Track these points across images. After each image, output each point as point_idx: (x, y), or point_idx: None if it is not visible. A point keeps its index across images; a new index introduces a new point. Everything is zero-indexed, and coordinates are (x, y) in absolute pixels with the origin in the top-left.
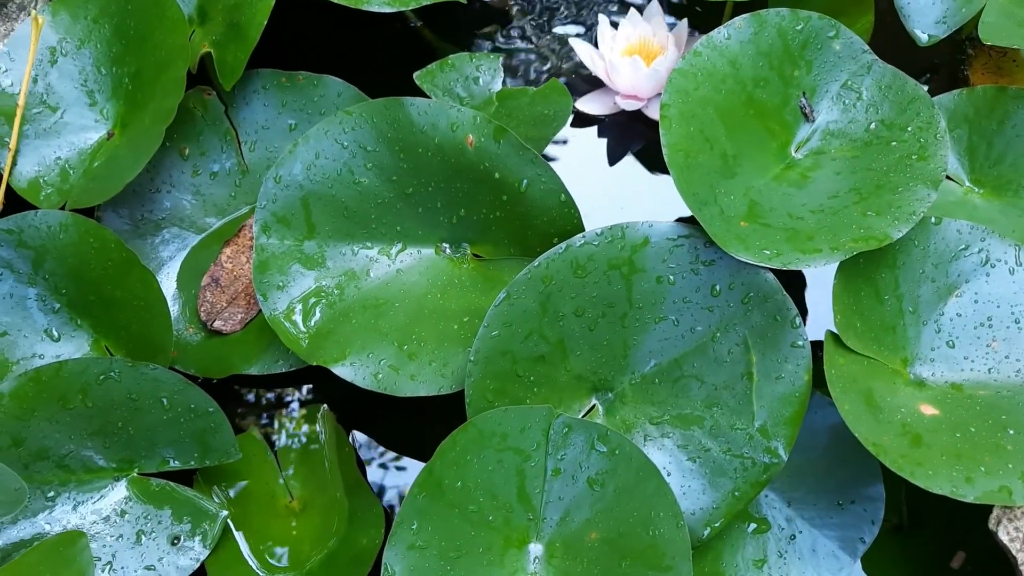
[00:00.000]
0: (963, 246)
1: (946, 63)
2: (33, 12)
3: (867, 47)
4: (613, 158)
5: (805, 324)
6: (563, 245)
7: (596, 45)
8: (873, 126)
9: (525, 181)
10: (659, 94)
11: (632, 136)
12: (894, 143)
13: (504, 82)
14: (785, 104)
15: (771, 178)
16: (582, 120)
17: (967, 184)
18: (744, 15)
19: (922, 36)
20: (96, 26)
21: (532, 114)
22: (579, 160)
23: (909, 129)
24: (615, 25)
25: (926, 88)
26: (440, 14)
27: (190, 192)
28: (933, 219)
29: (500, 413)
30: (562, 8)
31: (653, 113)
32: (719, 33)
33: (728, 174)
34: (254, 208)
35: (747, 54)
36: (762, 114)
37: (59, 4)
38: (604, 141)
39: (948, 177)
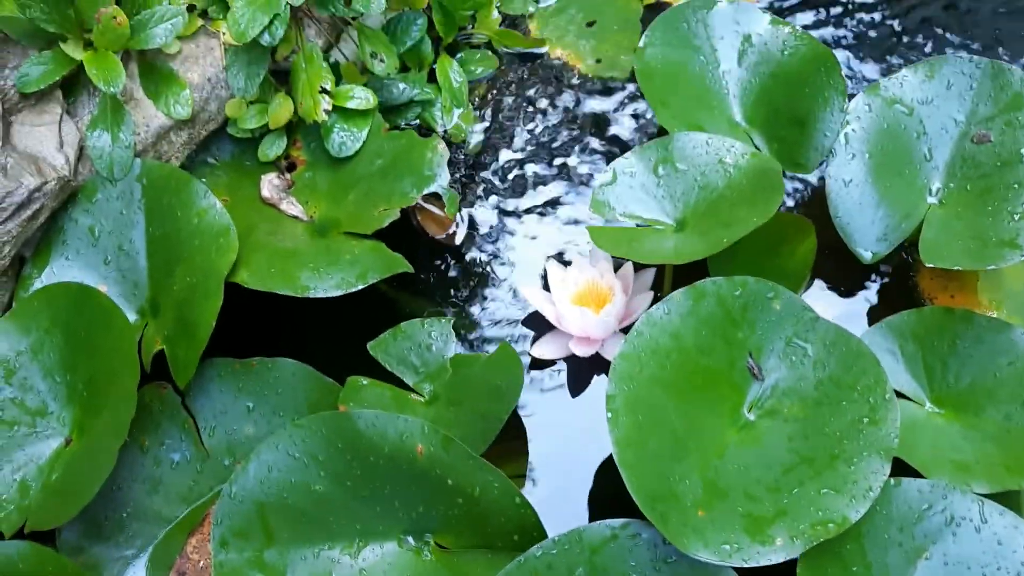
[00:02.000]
0: (926, 506)
1: (894, 269)
2: None
3: (807, 304)
4: (573, 402)
5: None
6: (521, 557)
7: (547, 287)
8: (822, 383)
9: (478, 488)
10: (613, 334)
11: (589, 377)
12: (844, 402)
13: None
14: (732, 367)
15: (726, 446)
16: (541, 362)
17: (928, 406)
18: (681, 288)
19: (865, 254)
20: (48, 336)
21: (486, 385)
22: (539, 405)
23: (858, 388)
24: (566, 263)
25: (876, 294)
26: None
27: (151, 484)
28: (892, 481)
29: None
30: (515, 241)
31: (609, 354)
32: (658, 310)
33: (681, 456)
34: (217, 493)
35: (688, 325)
36: (711, 381)
37: (10, 318)
38: (563, 384)
39: (908, 398)
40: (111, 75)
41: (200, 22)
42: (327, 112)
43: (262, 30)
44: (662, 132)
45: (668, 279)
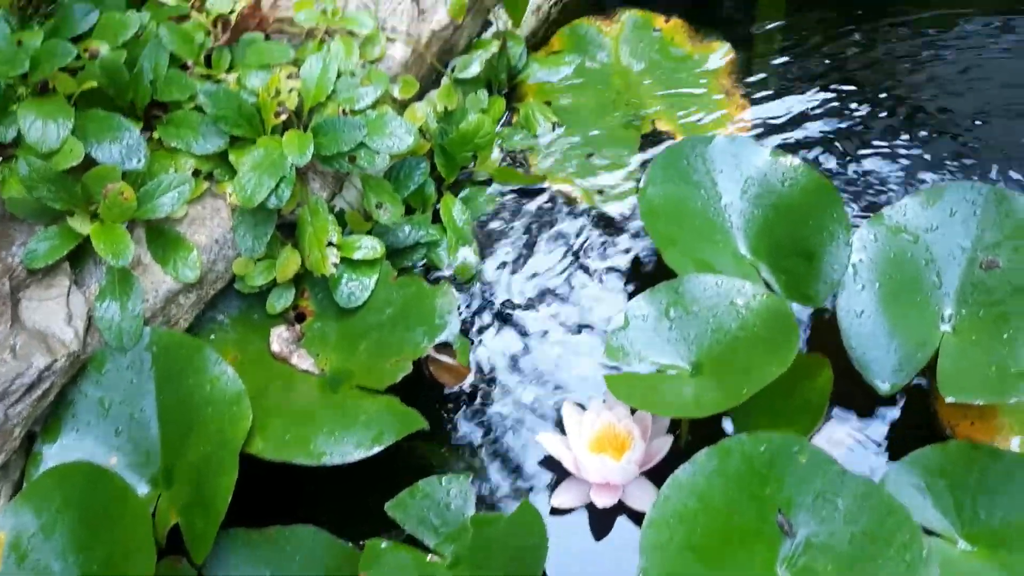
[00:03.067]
0: None
1: (912, 396)
2: None
3: (833, 458)
4: (595, 548)
5: None
6: None
7: (563, 430)
8: (855, 538)
9: None
10: (635, 479)
11: (611, 522)
12: (880, 560)
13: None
14: (762, 524)
15: None
16: (560, 508)
17: (960, 543)
18: (705, 448)
19: (883, 386)
20: (60, 516)
21: (510, 547)
22: (560, 554)
23: (894, 545)
24: (582, 406)
25: (896, 422)
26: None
27: None
28: None
29: None
30: (527, 383)
31: (632, 502)
32: (683, 472)
33: None
34: None
35: (715, 485)
36: (742, 540)
37: (22, 499)
38: (585, 531)
39: (939, 535)
40: (119, 248)
41: (206, 184)
42: (335, 264)
43: (269, 193)
44: (667, 264)
45: (686, 420)
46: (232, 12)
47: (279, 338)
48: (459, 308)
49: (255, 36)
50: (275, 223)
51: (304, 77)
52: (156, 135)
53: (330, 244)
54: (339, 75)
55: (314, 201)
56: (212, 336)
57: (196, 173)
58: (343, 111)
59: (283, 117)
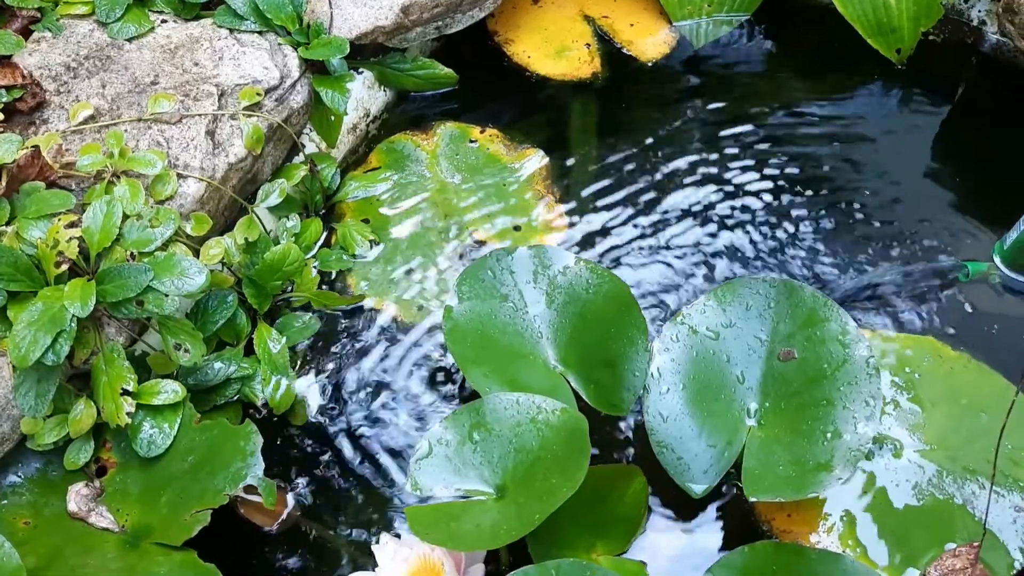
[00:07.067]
0: None
1: (729, 493)
2: None
3: None
4: None
5: None
6: None
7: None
8: None
9: None
10: None
11: None
12: None
13: None
14: None
15: None
16: None
17: None
18: None
19: (696, 488)
20: None
21: None
22: None
23: None
24: (398, 536)
25: (715, 521)
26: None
27: None
28: None
29: None
30: (347, 521)
31: None
32: None
33: None
34: None
35: None
36: None
37: None
38: None
39: None
40: None
41: None
42: (130, 414)
43: (45, 350)
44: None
45: (504, 547)
46: (14, 162)
47: (77, 495)
48: (274, 440)
49: (36, 185)
50: (60, 379)
51: (87, 224)
52: None
53: (125, 393)
54: (125, 218)
55: (109, 348)
56: (4, 501)
57: None
58: (131, 255)
59: (64, 267)
